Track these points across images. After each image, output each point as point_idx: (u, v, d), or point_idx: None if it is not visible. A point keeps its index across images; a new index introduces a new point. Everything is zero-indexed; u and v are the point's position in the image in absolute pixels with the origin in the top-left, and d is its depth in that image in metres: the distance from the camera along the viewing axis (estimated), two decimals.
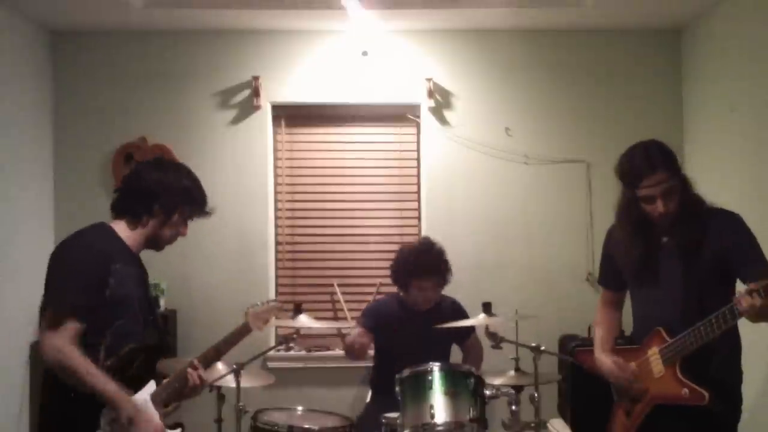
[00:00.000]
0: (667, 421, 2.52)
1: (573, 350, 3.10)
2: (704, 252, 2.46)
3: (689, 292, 2.48)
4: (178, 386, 2.47)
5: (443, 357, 3.47)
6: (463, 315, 3.54)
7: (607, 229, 2.76)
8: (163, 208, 2.48)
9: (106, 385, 2.23)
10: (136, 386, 2.36)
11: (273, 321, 2.92)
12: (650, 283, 2.58)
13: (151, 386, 2.41)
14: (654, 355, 2.54)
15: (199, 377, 2.50)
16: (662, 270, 2.55)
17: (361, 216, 4.55)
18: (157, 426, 2.33)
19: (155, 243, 2.54)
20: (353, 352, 3.56)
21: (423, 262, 3.50)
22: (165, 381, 2.48)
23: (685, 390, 2.43)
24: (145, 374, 2.41)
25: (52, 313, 2.24)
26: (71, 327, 2.23)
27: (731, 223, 2.48)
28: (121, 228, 2.47)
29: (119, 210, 2.50)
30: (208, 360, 2.61)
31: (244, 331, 2.73)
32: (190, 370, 2.49)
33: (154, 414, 2.37)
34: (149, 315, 2.51)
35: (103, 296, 2.29)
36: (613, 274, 2.78)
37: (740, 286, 2.46)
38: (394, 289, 3.76)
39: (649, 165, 2.44)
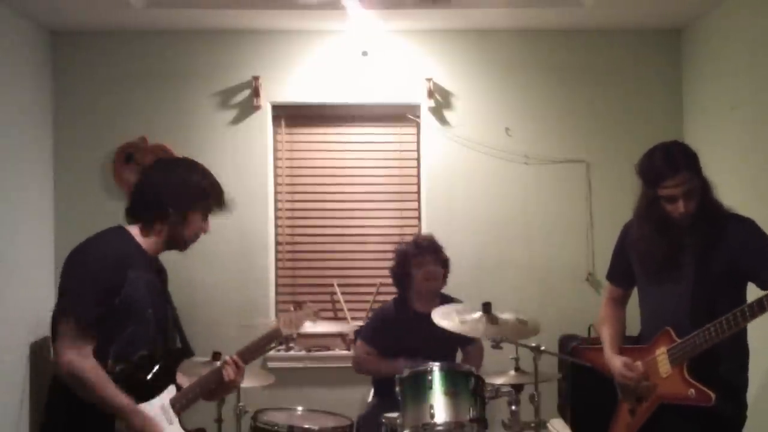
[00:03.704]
0: (672, 421, 2.52)
1: (571, 350, 3.10)
2: (719, 255, 2.47)
3: (700, 294, 2.49)
4: (213, 385, 2.46)
5: (448, 359, 3.46)
6: None
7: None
8: (175, 212, 2.40)
9: (118, 398, 2.22)
10: (151, 393, 2.34)
11: (307, 325, 2.84)
12: (662, 282, 2.59)
13: (170, 391, 2.40)
14: (662, 354, 2.54)
15: (235, 372, 2.48)
16: (676, 270, 2.55)
17: (361, 216, 4.55)
18: None
19: (176, 245, 2.48)
20: (361, 368, 3.64)
21: (419, 241, 3.68)
22: (190, 384, 2.46)
23: (692, 390, 2.43)
24: (164, 380, 2.39)
25: (73, 325, 2.18)
26: (91, 340, 2.20)
27: (746, 228, 2.50)
28: (137, 232, 2.41)
29: (132, 216, 2.43)
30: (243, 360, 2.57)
31: (274, 335, 2.67)
32: (226, 365, 2.48)
33: (173, 418, 2.36)
34: (166, 321, 2.47)
35: (112, 303, 2.25)
36: (624, 271, 2.79)
37: (752, 289, 2.47)
38: (394, 289, 3.76)
39: (673, 165, 2.45)
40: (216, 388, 2.50)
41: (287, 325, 2.71)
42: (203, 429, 2.51)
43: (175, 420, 2.37)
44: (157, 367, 2.36)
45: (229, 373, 2.49)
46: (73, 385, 2.20)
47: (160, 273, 2.54)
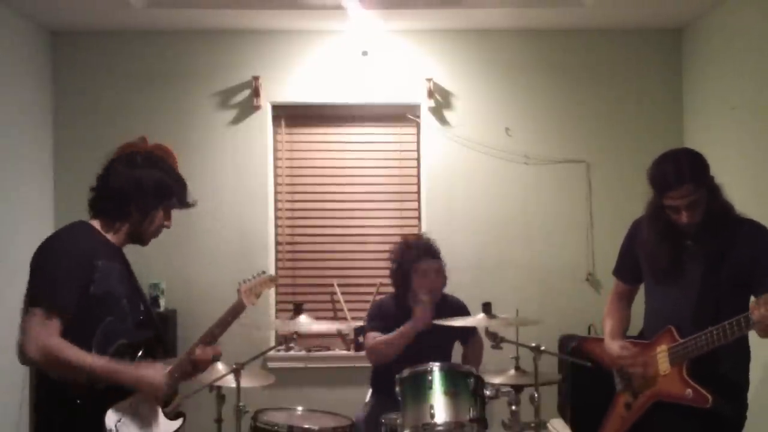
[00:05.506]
0: (669, 419, 2.53)
1: (571, 350, 3.09)
2: (727, 260, 2.47)
3: (705, 297, 2.49)
4: (185, 369, 2.46)
5: (444, 357, 3.45)
6: (466, 314, 3.52)
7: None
8: (138, 209, 2.42)
9: (106, 363, 2.23)
10: None
11: (265, 293, 2.86)
12: (669, 283, 2.59)
13: None
14: (662, 352, 2.55)
15: (205, 352, 2.49)
16: (683, 272, 2.56)
17: (361, 216, 4.55)
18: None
19: (138, 239, 2.50)
20: (376, 353, 3.54)
21: (421, 244, 3.58)
22: (167, 370, 2.47)
23: (689, 391, 2.44)
24: None
25: (42, 312, 2.20)
26: (57, 324, 2.20)
27: (758, 235, 2.49)
28: (99, 226, 2.42)
29: (95, 210, 2.45)
30: (206, 343, 2.57)
31: (238, 308, 2.69)
32: (198, 350, 2.49)
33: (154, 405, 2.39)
34: (139, 309, 2.48)
35: (87, 294, 2.26)
36: (631, 268, 2.80)
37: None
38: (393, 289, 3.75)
39: (676, 178, 2.45)
40: (189, 371, 2.51)
41: (248, 295, 2.74)
42: (183, 413, 2.51)
43: (157, 407, 2.40)
44: (140, 354, 2.38)
45: (205, 352, 2.51)
46: (48, 367, 2.20)
47: (128, 264, 2.54)
